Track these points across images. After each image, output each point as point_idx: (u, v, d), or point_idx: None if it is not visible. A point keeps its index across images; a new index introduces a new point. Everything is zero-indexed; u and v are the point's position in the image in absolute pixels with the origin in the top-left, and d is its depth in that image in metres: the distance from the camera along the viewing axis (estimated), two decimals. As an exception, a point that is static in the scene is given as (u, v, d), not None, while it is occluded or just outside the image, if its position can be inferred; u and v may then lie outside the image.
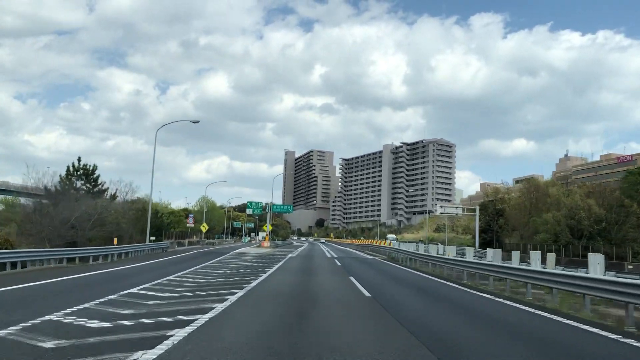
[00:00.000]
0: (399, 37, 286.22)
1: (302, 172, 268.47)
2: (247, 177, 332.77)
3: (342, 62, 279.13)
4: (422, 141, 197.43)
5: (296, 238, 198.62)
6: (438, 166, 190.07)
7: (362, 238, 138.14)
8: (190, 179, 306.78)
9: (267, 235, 60.46)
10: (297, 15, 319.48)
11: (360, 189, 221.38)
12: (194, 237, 58.75)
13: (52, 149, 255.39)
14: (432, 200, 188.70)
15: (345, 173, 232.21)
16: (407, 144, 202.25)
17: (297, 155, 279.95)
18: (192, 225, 58.38)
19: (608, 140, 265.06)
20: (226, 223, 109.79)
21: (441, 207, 56.51)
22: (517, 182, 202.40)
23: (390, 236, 71.33)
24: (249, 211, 62.56)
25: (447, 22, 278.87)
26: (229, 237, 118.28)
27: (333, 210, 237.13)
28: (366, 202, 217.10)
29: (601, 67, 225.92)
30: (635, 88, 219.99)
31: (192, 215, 61.53)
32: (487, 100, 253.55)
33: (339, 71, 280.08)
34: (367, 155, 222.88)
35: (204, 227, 62.47)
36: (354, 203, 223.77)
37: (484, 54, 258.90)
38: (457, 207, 57.74)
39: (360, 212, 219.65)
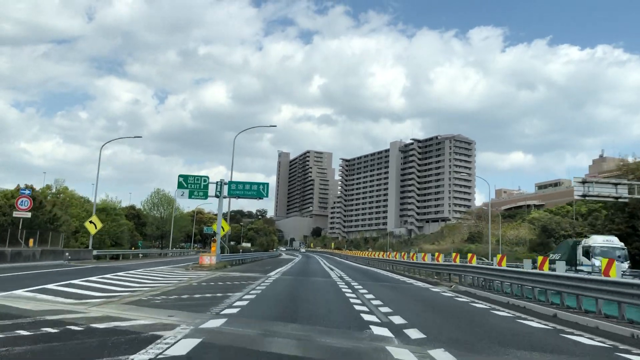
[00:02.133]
0: (398, 49, 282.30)
1: (298, 176, 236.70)
2: None
3: (341, 74, 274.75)
4: (436, 137, 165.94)
5: (295, 249, 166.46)
6: (456, 166, 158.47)
7: (369, 250, 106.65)
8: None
9: (214, 242, 28.48)
10: (297, 26, 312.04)
11: (364, 193, 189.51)
12: (30, 242, 25.79)
13: (48, 157, 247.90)
14: (449, 206, 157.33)
15: (346, 176, 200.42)
16: (419, 141, 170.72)
17: (292, 157, 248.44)
18: (26, 215, 26.05)
19: (604, 155, 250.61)
20: (173, 226, 77.63)
21: (585, 184, 24.91)
22: (540, 187, 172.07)
23: (601, 238, 27.64)
24: (179, 193, 30.62)
25: (446, 35, 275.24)
26: (194, 246, 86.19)
27: (332, 218, 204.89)
28: (370, 208, 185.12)
29: (599, 81, 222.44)
30: (633, 103, 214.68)
31: (26, 192, 28.54)
32: (485, 113, 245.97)
33: (338, 83, 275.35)
34: (372, 154, 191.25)
35: (92, 226, 30.61)
36: (356, 210, 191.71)
37: (482, 67, 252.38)
38: (616, 185, 25.88)
39: (363, 220, 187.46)
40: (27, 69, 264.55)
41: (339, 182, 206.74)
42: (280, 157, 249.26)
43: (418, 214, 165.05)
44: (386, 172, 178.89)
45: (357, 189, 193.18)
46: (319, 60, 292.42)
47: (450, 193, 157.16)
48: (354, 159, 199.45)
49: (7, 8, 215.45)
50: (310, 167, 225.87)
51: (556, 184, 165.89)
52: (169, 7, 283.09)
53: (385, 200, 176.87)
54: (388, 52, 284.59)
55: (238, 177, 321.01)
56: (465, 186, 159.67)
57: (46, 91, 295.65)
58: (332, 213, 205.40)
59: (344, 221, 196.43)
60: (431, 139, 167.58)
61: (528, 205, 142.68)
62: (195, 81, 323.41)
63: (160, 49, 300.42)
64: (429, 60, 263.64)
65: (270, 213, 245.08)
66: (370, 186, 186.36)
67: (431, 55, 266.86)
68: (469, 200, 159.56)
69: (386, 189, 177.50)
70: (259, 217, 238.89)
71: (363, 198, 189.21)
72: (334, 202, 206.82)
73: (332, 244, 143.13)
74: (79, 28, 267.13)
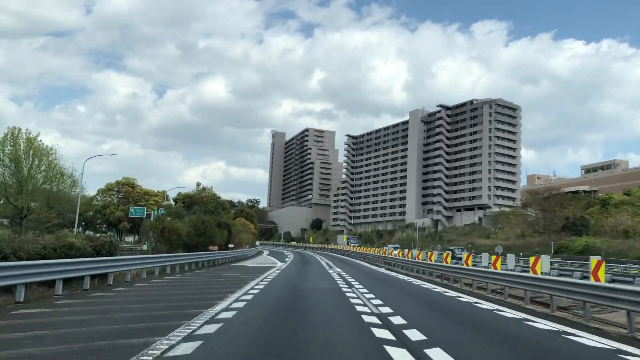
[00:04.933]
0: (401, 43, 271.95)
1: (294, 159, 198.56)
2: (242, 182, 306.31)
3: (342, 68, 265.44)
4: (471, 102, 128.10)
5: (286, 243, 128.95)
6: (498, 137, 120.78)
7: (405, 250, 69.81)
8: (185, 183, 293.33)
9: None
10: (298, 19, 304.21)
11: (375, 177, 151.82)
12: None
13: None
14: (489, 189, 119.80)
15: (354, 156, 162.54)
16: (448, 108, 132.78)
17: (287, 138, 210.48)
18: None
19: (607, 150, 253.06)
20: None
21: None
22: (587, 170, 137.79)
23: None
24: None
25: (449, 29, 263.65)
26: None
27: (335, 208, 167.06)
28: (383, 195, 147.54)
29: (603, 76, 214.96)
30: (637, 97, 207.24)
31: None
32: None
33: (339, 77, 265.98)
34: (385, 129, 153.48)
35: None
36: (366, 197, 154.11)
37: (485, 62, 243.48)
38: None
39: (374, 210, 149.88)
40: (24, 62, 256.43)
41: (344, 165, 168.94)
42: (274, 137, 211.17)
43: (447, 200, 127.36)
44: (404, 150, 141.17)
45: (366, 171, 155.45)
46: (320, 53, 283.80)
47: (490, 173, 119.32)
48: (362, 135, 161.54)
49: (3, 0, 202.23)
50: (310, 148, 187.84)
51: (609, 166, 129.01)
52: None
53: (403, 184, 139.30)
54: (390, 45, 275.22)
55: (237, 172, 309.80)
56: (509, 164, 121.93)
57: (44, 85, 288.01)
58: (335, 202, 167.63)
59: (351, 211, 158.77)
60: (464, 104, 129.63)
61: (576, 192, 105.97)
62: (195, 75, 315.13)
63: (159, 42, 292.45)
64: (432, 54, 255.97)
65: (264, 203, 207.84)
66: (384, 167, 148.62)
67: (434, 49, 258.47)
68: (513, 182, 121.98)
69: (404, 170, 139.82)
70: (251, 207, 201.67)
71: (374, 182, 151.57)
72: (338, 189, 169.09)
73: (345, 237, 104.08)
74: (76, 21, 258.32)
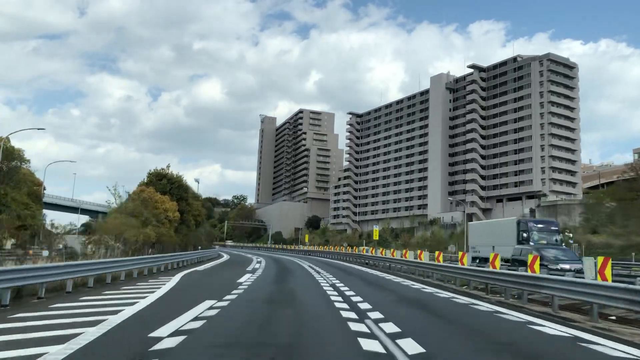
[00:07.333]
0: (398, 43, 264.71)
1: (287, 146, 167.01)
2: (239, 185, 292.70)
3: (339, 69, 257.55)
4: (514, 59, 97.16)
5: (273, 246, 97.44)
6: (552, 104, 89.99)
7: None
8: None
9: None
10: (294, 20, 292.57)
11: (385, 162, 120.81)
12: None
13: (41, 156, 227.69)
14: (543, 172, 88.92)
15: (358, 139, 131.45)
16: (482, 69, 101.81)
17: (279, 124, 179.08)
18: None
19: (604, 150, 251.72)
20: None
21: None
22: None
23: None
24: None
25: (446, 30, 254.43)
26: None
27: (335, 202, 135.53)
28: (396, 185, 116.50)
29: (601, 75, 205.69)
30: (634, 97, 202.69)
31: None
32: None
33: (335, 78, 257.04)
34: (398, 102, 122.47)
35: None
36: (374, 188, 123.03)
37: (483, 62, 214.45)
38: None
39: (385, 204, 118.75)
40: (17, 66, 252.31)
41: (347, 150, 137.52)
42: (263, 123, 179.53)
43: (483, 188, 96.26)
44: (424, 127, 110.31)
45: (375, 156, 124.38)
46: (316, 55, 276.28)
47: (544, 151, 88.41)
48: (369, 113, 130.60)
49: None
50: (304, 133, 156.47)
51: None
52: (164, 1, 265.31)
53: (423, 170, 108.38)
54: (387, 46, 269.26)
55: (233, 175, 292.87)
56: (567, 138, 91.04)
57: (38, 88, 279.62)
58: (335, 195, 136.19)
59: (355, 205, 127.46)
60: (504, 63, 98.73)
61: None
62: (190, 77, 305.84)
63: (154, 44, 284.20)
64: (429, 55, 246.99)
65: (252, 199, 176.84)
66: (397, 150, 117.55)
67: (431, 49, 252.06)
68: (573, 162, 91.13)
69: (424, 152, 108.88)
70: (237, 204, 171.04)
71: (385, 170, 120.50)
72: (339, 179, 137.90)
73: (371, 237, 70.31)
74: (70, 23, 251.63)
